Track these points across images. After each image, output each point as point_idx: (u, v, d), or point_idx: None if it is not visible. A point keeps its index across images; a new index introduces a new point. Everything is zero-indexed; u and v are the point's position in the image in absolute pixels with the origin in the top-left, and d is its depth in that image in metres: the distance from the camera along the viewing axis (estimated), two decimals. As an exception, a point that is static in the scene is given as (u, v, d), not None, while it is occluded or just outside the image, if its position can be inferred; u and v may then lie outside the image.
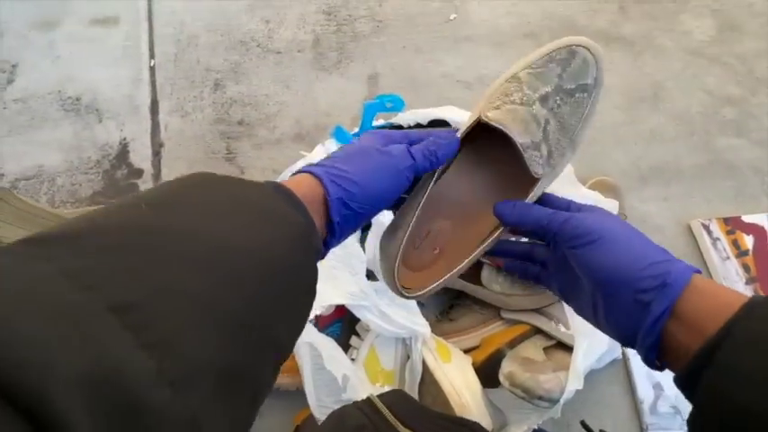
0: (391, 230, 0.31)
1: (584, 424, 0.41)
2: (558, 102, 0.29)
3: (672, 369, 0.24)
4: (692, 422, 0.21)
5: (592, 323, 0.28)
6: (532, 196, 0.31)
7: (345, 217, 0.26)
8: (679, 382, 0.23)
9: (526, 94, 0.29)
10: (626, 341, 0.26)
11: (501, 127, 0.29)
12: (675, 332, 0.23)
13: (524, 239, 0.34)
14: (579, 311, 0.30)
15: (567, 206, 0.31)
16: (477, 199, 0.33)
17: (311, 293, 0.22)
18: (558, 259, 0.30)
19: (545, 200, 0.32)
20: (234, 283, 0.17)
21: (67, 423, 0.11)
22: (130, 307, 0.14)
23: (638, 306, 0.24)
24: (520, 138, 0.29)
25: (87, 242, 0.15)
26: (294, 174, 0.27)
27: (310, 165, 0.27)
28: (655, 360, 0.24)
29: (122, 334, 0.13)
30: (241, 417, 0.17)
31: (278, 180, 0.26)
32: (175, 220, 0.18)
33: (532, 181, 0.30)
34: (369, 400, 0.38)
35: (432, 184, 0.31)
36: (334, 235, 0.26)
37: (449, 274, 0.31)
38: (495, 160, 0.33)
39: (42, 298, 0.13)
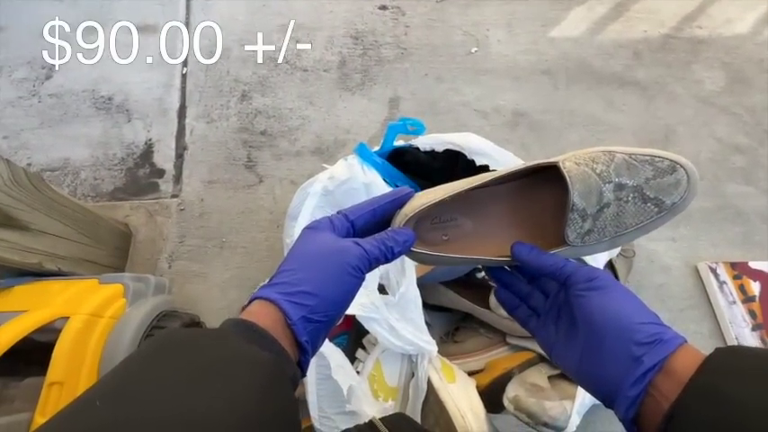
0: (428, 192, 0.32)
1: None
2: (630, 198, 0.29)
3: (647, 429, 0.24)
4: None
5: (572, 374, 0.29)
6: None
7: (312, 332, 0.25)
8: (629, 418, 0.24)
9: (609, 172, 0.29)
10: (607, 395, 0.26)
11: (568, 179, 0.29)
12: (661, 385, 0.24)
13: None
14: (561, 361, 0.30)
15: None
16: (508, 225, 0.34)
17: (293, 422, 0.23)
18: (553, 308, 0.31)
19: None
20: None
21: None
22: None
23: (630, 357, 0.24)
24: (576, 198, 0.29)
25: None
26: (251, 300, 0.26)
27: (263, 287, 0.26)
28: (632, 419, 0.25)
29: None
30: None
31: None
32: (132, 410, 0.18)
33: (559, 243, 0.31)
34: (371, 424, 0.38)
35: (477, 185, 0.31)
36: (306, 352, 0.25)
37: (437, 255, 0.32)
38: (544, 206, 0.33)
39: None
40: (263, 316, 0.24)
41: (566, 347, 0.29)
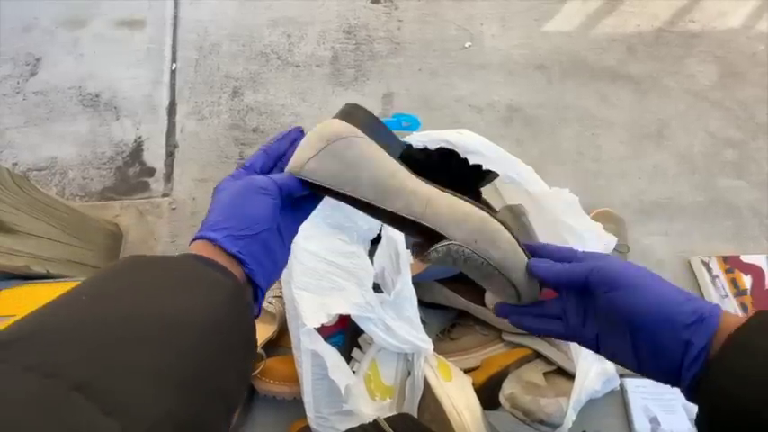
0: (308, 146, 0.32)
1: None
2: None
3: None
4: (698, 422, 0.25)
5: (630, 365, 0.29)
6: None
7: (244, 247, 0.27)
8: (691, 391, 0.26)
9: None
10: (669, 378, 0.27)
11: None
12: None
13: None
14: (614, 356, 0.30)
15: (574, 255, 0.31)
16: None
17: (250, 344, 0.26)
18: (579, 309, 0.31)
19: (550, 252, 0.32)
20: (176, 349, 0.20)
21: None
22: (90, 383, 0.17)
23: (681, 343, 0.25)
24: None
25: (41, 339, 0.19)
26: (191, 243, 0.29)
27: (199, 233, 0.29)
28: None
29: (88, 405, 0.16)
30: None
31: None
32: (116, 306, 0.21)
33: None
34: (376, 423, 0.38)
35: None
36: (244, 263, 0.27)
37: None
38: None
39: (10, 392, 0.16)
40: (203, 251, 0.27)
41: (610, 341, 0.29)
